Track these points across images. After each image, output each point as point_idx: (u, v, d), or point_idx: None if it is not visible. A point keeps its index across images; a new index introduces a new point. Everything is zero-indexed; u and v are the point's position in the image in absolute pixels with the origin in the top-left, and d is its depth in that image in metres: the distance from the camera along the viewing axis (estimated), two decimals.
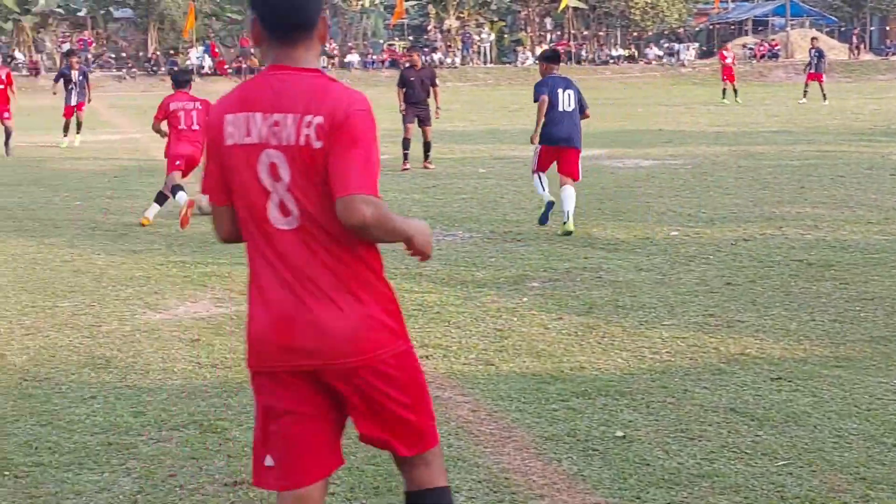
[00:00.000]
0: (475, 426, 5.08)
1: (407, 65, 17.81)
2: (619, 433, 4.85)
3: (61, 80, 21.56)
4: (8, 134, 19.72)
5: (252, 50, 59.12)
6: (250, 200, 3.00)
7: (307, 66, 2.99)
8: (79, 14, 63.60)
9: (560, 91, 10.54)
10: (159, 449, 4.82)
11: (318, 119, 2.88)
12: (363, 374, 2.96)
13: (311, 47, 3.03)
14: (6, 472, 4.55)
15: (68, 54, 23.19)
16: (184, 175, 11.46)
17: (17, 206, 12.85)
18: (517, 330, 6.81)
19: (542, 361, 6.10)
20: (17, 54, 57.28)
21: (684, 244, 9.67)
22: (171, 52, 58.68)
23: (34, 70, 54.61)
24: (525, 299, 7.66)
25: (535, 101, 10.63)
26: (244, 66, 57.00)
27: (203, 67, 56.68)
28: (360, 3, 65.81)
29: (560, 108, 10.47)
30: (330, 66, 57.94)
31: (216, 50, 59.92)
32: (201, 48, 59.09)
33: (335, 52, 60.26)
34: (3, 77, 20.13)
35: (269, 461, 3.11)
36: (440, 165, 16.90)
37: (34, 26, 59.90)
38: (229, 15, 66.85)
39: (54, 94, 21.96)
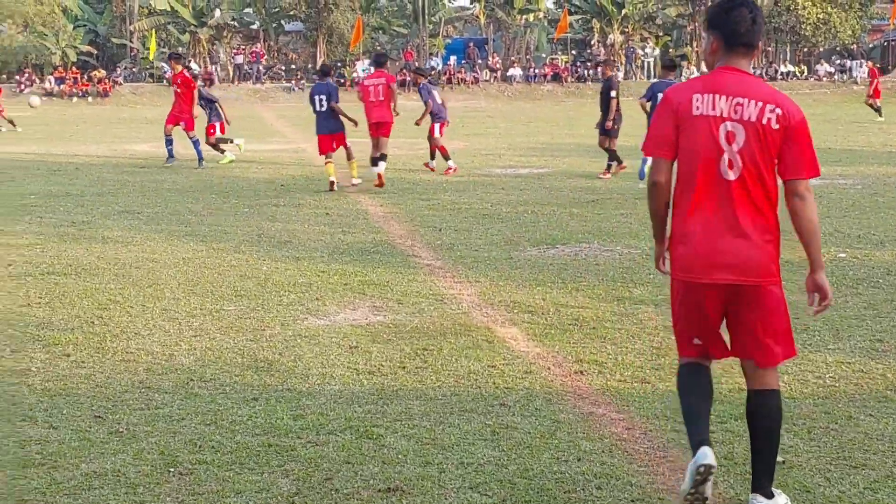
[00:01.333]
0: (630, 444, 5.02)
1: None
2: (780, 458, 4.72)
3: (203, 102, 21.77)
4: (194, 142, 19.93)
5: (416, 63, 59.98)
6: (705, 156, 4.13)
7: (751, 73, 4.25)
8: (252, 27, 65.68)
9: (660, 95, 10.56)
10: (316, 452, 4.92)
11: (779, 111, 4.10)
12: (758, 293, 4.13)
13: (752, 60, 4.28)
14: (171, 469, 4.72)
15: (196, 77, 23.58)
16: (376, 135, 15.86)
17: (188, 211, 13.33)
18: (675, 348, 6.68)
19: None
20: (193, 65, 59.45)
21: (852, 267, 9.35)
22: (339, 64, 59.98)
23: (208, 80, 56.60)
24: None
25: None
26: (407, 78, 57.84)
27: None
28: (525, 17, 65.92)
29: None
30: (492, 80, 58.26)
31: None
32: (367, 61, 60.19)
33: (497, 65, 60.53)
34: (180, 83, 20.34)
35: (696, 341, 4.31)
36: (598, 181, 16.80)
37: (209, 38, 62.12)
38: (395, 29, 67.96)
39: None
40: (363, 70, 57.71)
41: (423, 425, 5.30)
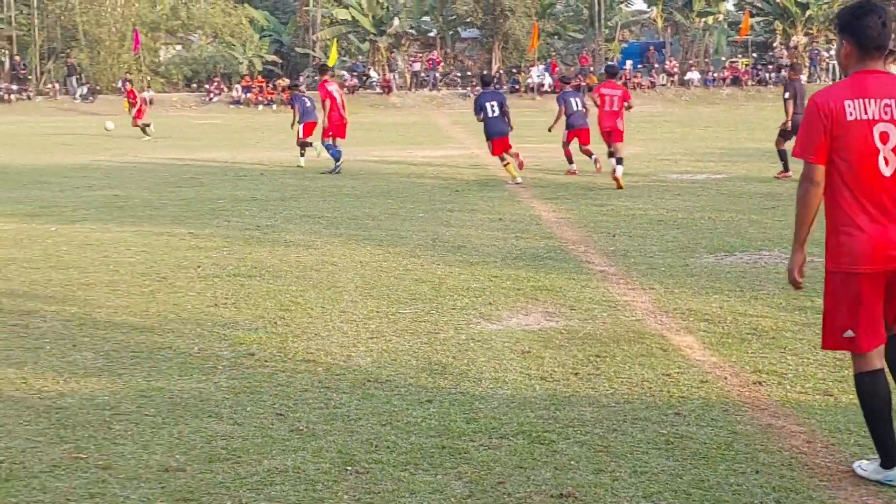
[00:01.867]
0: (810, 458, 4.89)
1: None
2: None
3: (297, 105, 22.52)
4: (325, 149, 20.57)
5: (591, 69, 59.63)
6: (863, 157, 4.48)
7: (887, 72, 4.57)
8: (429, 35, 66.57)
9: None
10: (489, 456, 4.97)
11: None
12: None
13: (884, 61, 4.64)
14: (349, 468, 4.84)
15: (293, 87, 25.32)
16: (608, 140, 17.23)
17: (366, 216, 13.62)
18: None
19: None
20: (372, 73, 60.73)
21: None
22: (514, 70, 60.23)
23: (387, 88, 57.70)
24: None
25: None
26: (583, 84, 57.59)
27: (543, 85, 57.75)
28: (704, 20, 64.71)
29: None
30: (669, 84, 57.44)
31: (556, 68, 60.86)
32: (542, 66, 60.25)
33: (675, 69, 59.63)
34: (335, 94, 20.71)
35: (849, 333, 4.54)
36: (781, 186, 16.36)
37: (388, 46, 63.28)
38: (571, 34, 67.72)
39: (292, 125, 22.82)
40: (538, 76, 57.86)
41: (595, 432, 5.28)
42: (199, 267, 9.97)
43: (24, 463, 4.92)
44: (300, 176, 19.38)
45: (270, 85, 58.19)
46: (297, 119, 22.00)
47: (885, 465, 4.56)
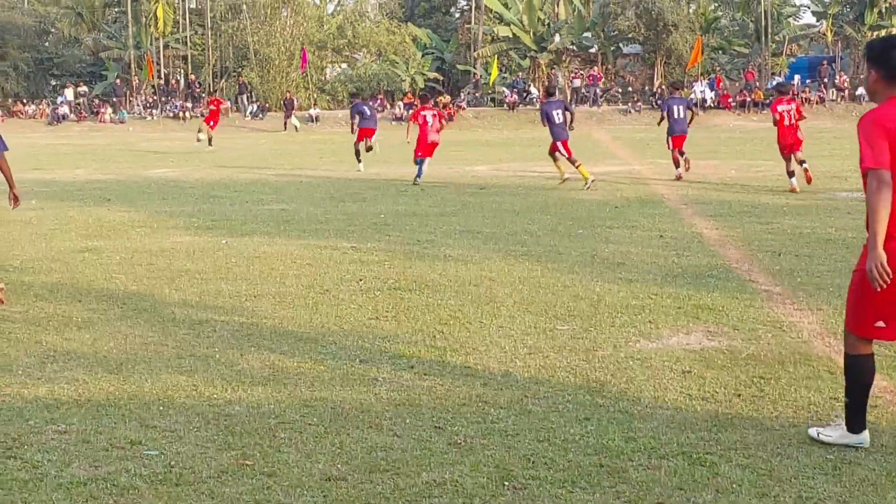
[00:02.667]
0: None
1: None
2: None
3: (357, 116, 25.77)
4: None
5: (756, 83, 58.31)
6: None
7: None
8: (590, 51, 66.34)
9: None
10: (648, 476, 4.91)
11: None
12: None
13: None
14: (506, 483, 4.86)
15: (354, 95, 27.90)
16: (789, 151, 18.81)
17: (524, 232, 13.65)
18: None
19: None
20: (532, 89, 60.81)
21: None
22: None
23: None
24: None
25: None
26: (748, 99, 56.36)
27: (706, 101, 56.76)
28: (876, 33, 62.48)
29: None
30: (839, 99, 55.70)
31: (720, 84, 59.77)
32: (705, 82, 59.24)
33: (845, 84, 57.78)
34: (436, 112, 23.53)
35: (880, 324, 5.13)
36: None
37: (549, 62, 63.31)
38: (736, 48, 66.39)
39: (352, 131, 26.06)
40: (700, 91, 56.90)
41: (759, 455, 5.17)
42: (360, 280, 10.17)
43: (194, 468, 5.10)
44: (460, 191, 19.56)
45: (432, 102, 58.90)
46: (354, 126, 25.53)
47: (855, 430, 5.29)
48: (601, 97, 59.42)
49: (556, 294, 9.38)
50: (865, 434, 5.31)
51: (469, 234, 13.56)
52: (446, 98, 59.32)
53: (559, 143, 20.57)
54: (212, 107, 37.85)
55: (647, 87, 61.10)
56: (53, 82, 68.22)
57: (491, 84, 61.56)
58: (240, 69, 63.85)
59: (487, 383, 6.52)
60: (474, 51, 65.75)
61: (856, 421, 5.31)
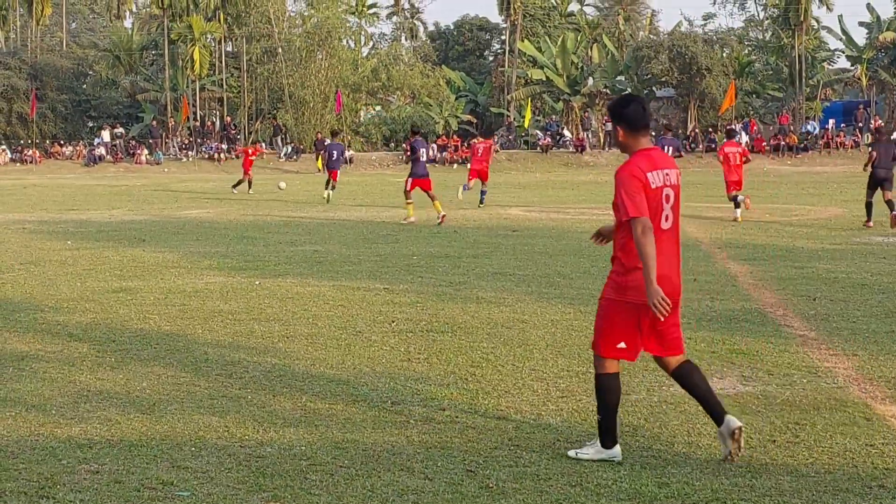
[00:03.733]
0: None
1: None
2: None
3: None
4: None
5: (791, 127, 58.16)
6: (655, 214, 5.72)
7: (654, 146, 5.92)
8: (623, 94, 66.42)
9: None
10: None
11: (677, 172, 5.91)
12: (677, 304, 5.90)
13: (649, 136, 5.92)
14: None
15: (334, 134, 29.45)
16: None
17: (557, 274, 13.62)
18: None
19: None
20: (566, 132, 60.96)
21: None
22: (710, 129, 59.34)
23: (580, 147, 57.80)
24: None
25: None
26: (782, 143, 56.17)
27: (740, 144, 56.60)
28: None
29: None
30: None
31: (754, 128, 59.65)
32: (740, 125, 59.12)
33: (881, 126, 57.44)
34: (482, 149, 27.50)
35: (622, 345, 5.82)
36: None
37: (582, 105, 63.48)
38: (770, 92, 66.32)
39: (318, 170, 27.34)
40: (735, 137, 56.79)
41: (794, 502, 5.10)
42: (393, 322, 10.18)
43: None
44: (492, 233, 19.58)
45: (465, 144, 59.17)
46: (325, 163, 27.36)
47: (608, 445, 5.80)
48: None
49: (589, 337, 9.31)
50: (617, 448, 5.81)
51: (501, 276, 13.55)
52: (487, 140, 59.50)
53: (418, 181, 22.28)
54: (247, 156, 38.10)
55: (680, 131, 61.04)
56: (91, 124, 69.21)
57: (524, 127, 61.76)
58: (275, 111, 64.45)
59: (520, 426, 6.49)
60: (508, 94, 66.08)
61: (607, 437, 5.82)
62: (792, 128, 58.66)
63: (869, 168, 20.29)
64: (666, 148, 24.29)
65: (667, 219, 5.78)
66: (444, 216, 21.60)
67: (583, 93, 63.39)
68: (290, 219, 23.84)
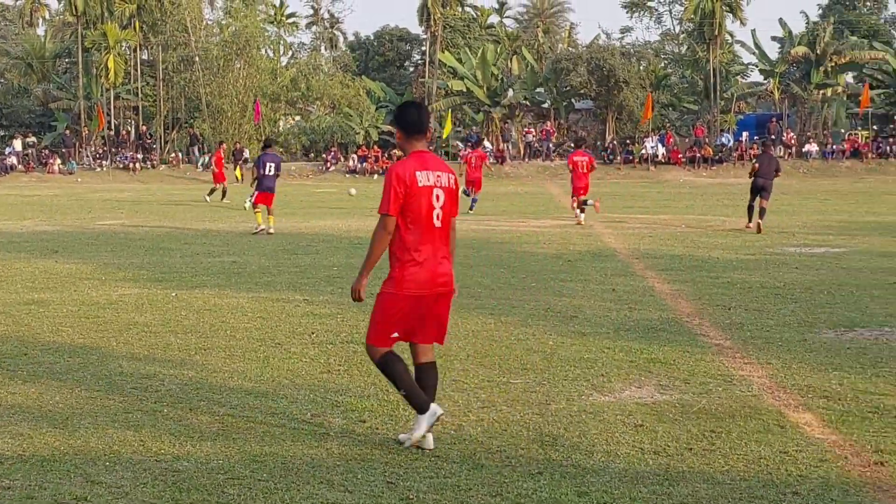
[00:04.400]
0: None
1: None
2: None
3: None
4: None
5: (706, 140, 59.18)
6: (427, 212, 6.24)
7: (428, 150, 6.40)
8: (543, 106, 67.01)
9: None
10: None
11: (452, 177, 6.38)
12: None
13: (426, 140, 6.41)
14: None
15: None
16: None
17: (478, 285, 13.65)
18: None
19: None
20: (486, 143, 61.22)
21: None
22: (627, 141, 60.12)
23: (500, 158, 58.10)
24: None
25: None
26: (698, 155, 57.09)
27: (657, 156, 57.51)
28: (822, 92, 63.78)
29: None
30: (787, 156, 56.57)
31: (671, 139, 60.57)
32: (656, 138, 60.02)
33: (793, 141, 58.76)
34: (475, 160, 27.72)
35: (395, 334, 6.28)
36: (889, 259, 15.92)
37: (502, 117, 63.84)
38: (686, 105, 67.40)
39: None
40: (651, 147, 57.67)
41: None
42: (313, 333, 10.11)
43: None
44: None
45: (386, 155, 59.18)
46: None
47: (424, 409, 6.20)
48: (554, 151, 59.90)
49: (509, 347, 9.38)
50: (434, 406, 6.27)
51: None
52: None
53: (263, 195, 22.18)
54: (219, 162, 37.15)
55: (598, 143, 61.74)
56: (1, 133, 67.66)
57: (444, 138, 61.91)
58: (192, 120, 63.72)
59: (440, 438, 6.48)
60: (428, 104, 66.17)
61: (419, 402, 6.24)
62: (707, 140, 59.67)
63: (752, 177, 22.67)
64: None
65: (438, 217, 6.23)
66: (263, 230, 21.81)
67: (503, 104, 63.77)
68: (208, 230, 23.57)
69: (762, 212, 22.17)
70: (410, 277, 6.18)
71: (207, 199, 34.70)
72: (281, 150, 61.52)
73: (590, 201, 24.61)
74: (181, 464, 5.96)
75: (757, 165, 22.90)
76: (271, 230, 21.75)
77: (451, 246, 6.41)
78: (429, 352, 6.47)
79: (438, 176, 6.27)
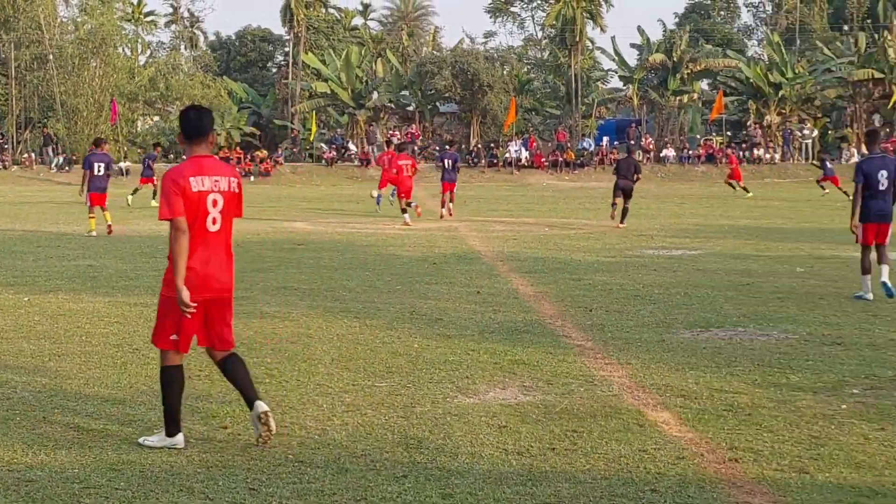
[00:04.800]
0: None
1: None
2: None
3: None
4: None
5: (567, 144, 60.22)
6: (201, 217, 6.24)
7: (210, 155, 6.41)
8: (408, 109, 67.18)
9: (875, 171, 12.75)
10: None
11: (234, 180, 6.41)
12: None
13: (208, 145, 6.42)
14: None
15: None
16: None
17: (343, 288, 13.59)
18: (834, 438, 6.48)
19: (862, 473, 5.75)
20: (351, 146, 61.11)
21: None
22: (492, 144, 60.73)
23: (365, 160, 58.03)
24: (844, 406, 7.27)
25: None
26: (560, 159, 58.06)
27: (521, 160, 58.27)
28: (679, 98, 65.61)
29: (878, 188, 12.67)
30: (645, 160, 57.99)
31: (534, 144, 61.45)
32: (519, 141, 60.80)
33: (651, 146, 60.26)
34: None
35: (174, 337, 6.27)
36: (755, 262, 16.46)
37: (367, 119, 63.75)
38: (548, 110, 68.49)
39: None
40: (515, 151, 58.40)
41: None
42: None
43: None
44: (277, 247, 19.37)
45: (248, 157, 58.46)
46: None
47: (171, 433, 6.23)
48: (419, 154, 60.10)
49: (374, 351, 9.35)
50: (180, 437, 6.25)
51: (286, 290, 13.40)
52: (264, 153, 58.92)
53: (93, 195, 21.90)
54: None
55: (463, 146, 62.18)
56: None
57: (311, 139, 61.53)
58: (45, 120, 61.80)
59: (304, 442, 6.41)
60: (292, 106, 65.66)
61: (171, 425, 6.25)
62: (569, 144, 60.76)
63: (615, 178, 25.05)
64: (447, 161, 28.04)
65: (214, 221, 6.26)
66: (93, 234, 21.60)
67: (367, 107, 63.66)
68: (62, 232, 22.88)
69: (625, 212, 24.01)
70: (187, 282, 6.16)
71: (130, 199, 33.60)
72: (139, 150, 60.22)
73: (413, 203, 26.14)
74: (35, 473, 5.75)
75: (615, 169, 25.42)
76: (111, 231, 21.59)
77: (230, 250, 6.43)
78: (220, 353, 6.52)
79: (216, 181, 6.28)
